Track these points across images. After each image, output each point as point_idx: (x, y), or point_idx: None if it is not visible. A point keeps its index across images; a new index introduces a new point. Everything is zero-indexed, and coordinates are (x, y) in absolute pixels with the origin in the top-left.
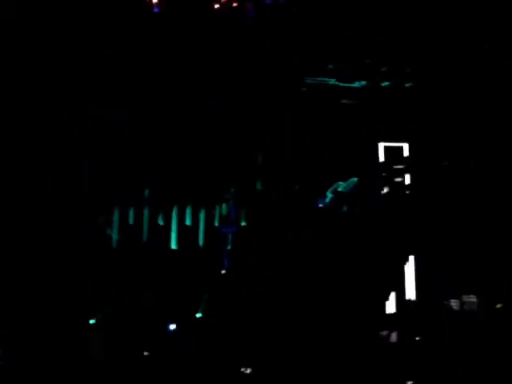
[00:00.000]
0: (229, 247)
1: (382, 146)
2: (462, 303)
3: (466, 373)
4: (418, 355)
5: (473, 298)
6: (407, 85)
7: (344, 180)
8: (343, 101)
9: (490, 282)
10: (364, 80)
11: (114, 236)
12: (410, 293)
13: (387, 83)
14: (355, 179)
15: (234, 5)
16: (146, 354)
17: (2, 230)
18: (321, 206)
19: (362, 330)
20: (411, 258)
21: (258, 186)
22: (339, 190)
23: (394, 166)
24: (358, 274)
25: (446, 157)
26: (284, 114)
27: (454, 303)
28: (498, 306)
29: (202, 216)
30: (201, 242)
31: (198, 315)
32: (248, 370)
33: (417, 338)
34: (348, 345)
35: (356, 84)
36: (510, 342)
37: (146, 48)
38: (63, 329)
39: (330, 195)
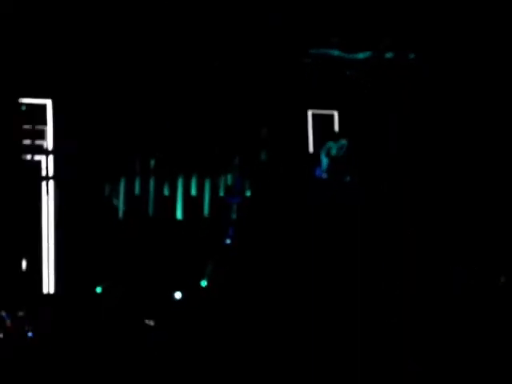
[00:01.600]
0: (234, 217)
1: None
2: None
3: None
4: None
5: None
6: (411, 56)
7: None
8: (348, 72)
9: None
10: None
11: (120, 207)
12: None
13: (391, 54)
14: (345, 142)
15: None
16: (151, 323)
17: None
18: (323, 176)
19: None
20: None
21: (263, 156)
22: (333, 153)
23: None
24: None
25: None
26: (289, 85)
27: None
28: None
29: (207, 186)
30: (206, 212)
31: (203, 284)
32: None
33: None
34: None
35: (360, 55)
36: None
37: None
38: (71, 297)
39: (324, 159)
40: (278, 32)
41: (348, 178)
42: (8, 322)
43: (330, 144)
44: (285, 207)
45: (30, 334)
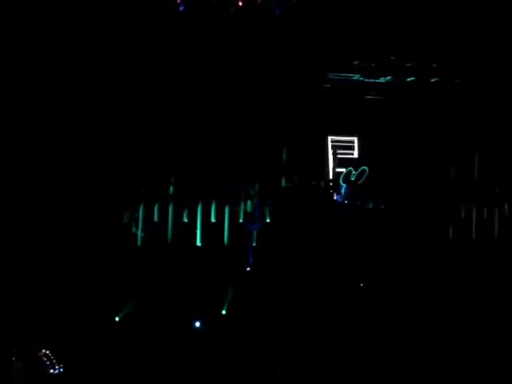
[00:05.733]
0: (254, 244)
1: None
2: None
3: None
4: None
5: None
6: (433, 80)
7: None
8: (368, 96)
9: None
10: (389, 75)
11: (139, 234)
12: None
13: (413, 78)
14: (366, 168)
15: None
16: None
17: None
18: (345, 201)
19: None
20: None
21: (283, 183)
22: (352, 179)
23: None
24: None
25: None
26: (307, 111)
27: None
28: None
29: (226, 213)
30: (226, 238)
31: (223, 312)
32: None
33: None
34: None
35: (381, 79)
36: None
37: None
38: (90, 326)
39: (343, 185)
40: (298, 57)
41: (370, 205)
42: None
43: (349, 170)
44: (305, 233)
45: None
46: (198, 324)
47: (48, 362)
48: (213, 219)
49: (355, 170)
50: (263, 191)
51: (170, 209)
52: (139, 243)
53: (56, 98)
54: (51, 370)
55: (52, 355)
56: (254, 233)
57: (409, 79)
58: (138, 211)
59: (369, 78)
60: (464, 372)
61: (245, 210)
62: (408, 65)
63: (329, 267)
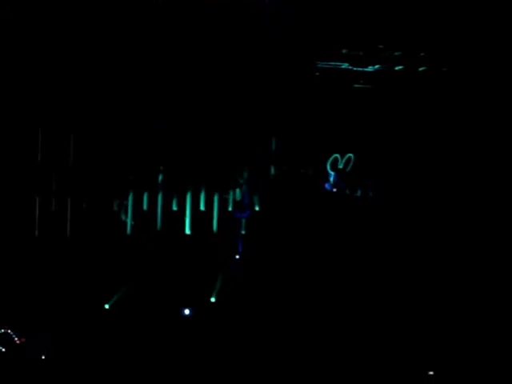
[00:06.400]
0: (243, 232)
1: None
2: None
3: None
4: None
5: None
6: (421, 69)
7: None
8: (356, 85)
9: None
10: (378, 64)
11: (129, 222)
12: None
13: (401, 67)
14: (351, 155)
15: None
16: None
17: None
18: (334, 190)
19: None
20: None
21: (272, 171)
22: (340, 166)
23: None
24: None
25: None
26: (296, 99)
27: None
28: None
29: (215, 201)
30: (215, 227)
31: (212, 299)
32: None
33: None
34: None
35: (370, 68)
36: None
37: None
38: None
39: (332, 173)
40: (288, 46)
41: (359, 192)
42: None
43: (338, 157)
44: (295, 221)
45: None
46: (187, 311)
47: (35, 349)
48: (202, 207)
49: (341, 157)
50: (252, 179)
51: (160, 197)
52: (129, 231)
53: (51, 91)
54: (38, 357)
55: (40, 342)
56: (244, 221)
57: (397, 68)
58: (128, 199)
59: (357, 67)
60: None
61: (234, 198)
62: (396, 54)
63: (318, 255)
